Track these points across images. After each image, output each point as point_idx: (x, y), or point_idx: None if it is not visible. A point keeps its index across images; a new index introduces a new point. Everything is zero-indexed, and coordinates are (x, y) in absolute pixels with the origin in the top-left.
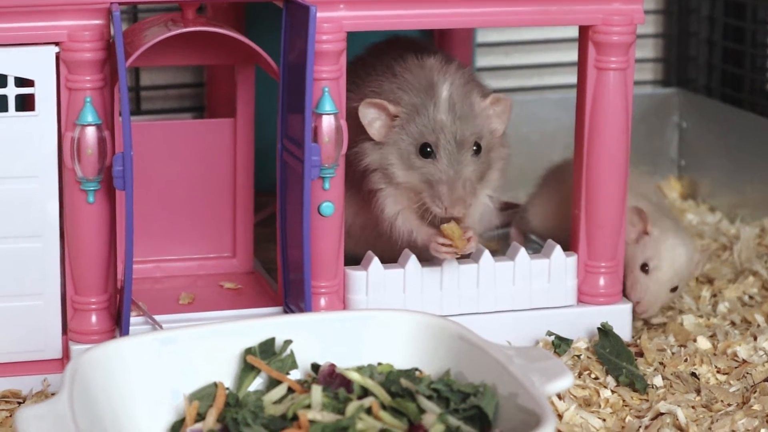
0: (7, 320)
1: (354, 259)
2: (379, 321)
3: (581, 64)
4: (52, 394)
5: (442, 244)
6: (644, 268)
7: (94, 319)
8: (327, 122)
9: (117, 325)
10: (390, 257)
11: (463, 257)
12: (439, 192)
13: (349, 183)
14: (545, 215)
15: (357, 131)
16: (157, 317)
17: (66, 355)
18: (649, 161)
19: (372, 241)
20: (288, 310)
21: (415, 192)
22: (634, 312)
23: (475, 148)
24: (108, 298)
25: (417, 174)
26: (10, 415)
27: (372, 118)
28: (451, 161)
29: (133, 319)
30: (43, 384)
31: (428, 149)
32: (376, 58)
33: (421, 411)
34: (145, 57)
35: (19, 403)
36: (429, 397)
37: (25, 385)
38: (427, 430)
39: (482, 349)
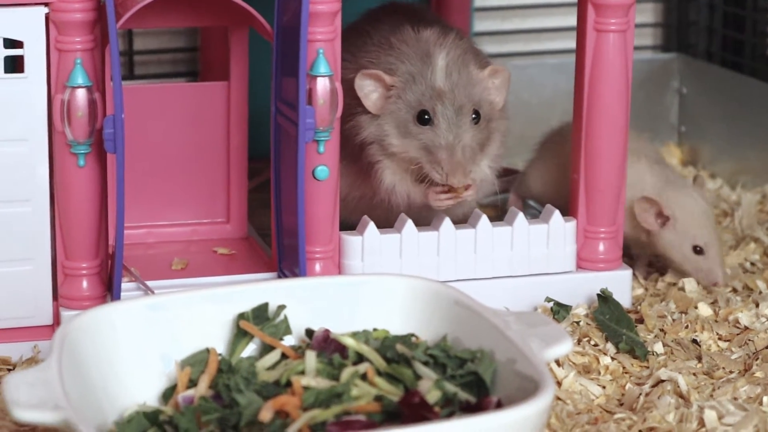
0: None
1: (349, 227)
2: (374, 286)
3: (580, 27)
4: (43, 361)
5: (440, 191)
6: (697, 250)
7: (84, 284)
8: (322, 84)
9: (108, 290)
10: (386, 227)
11: (462, 221)
12: (438, 158)
13: (344, 154)
14: (544, 180)
15: (352, 103)
16: (150, 283)
17: (56, 321)
18: (648, 127)
19: (368, 212)
20: (282, 276)
21: (412, 162)
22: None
23: (474, 115)
24: (99, 264)
25: (415, 142)
26: (0, 382)
27: (369, 90)
28: (450, 126)
29: (124, 285)
30: (33, 350)
31: (426, 116)
32: (372, 26)
33: (417, 377)
34: (137, 18)
35: (9, 370)
36: (425, 363)
37: (15, 351)
38: (423, 396)
39: (479, 314)
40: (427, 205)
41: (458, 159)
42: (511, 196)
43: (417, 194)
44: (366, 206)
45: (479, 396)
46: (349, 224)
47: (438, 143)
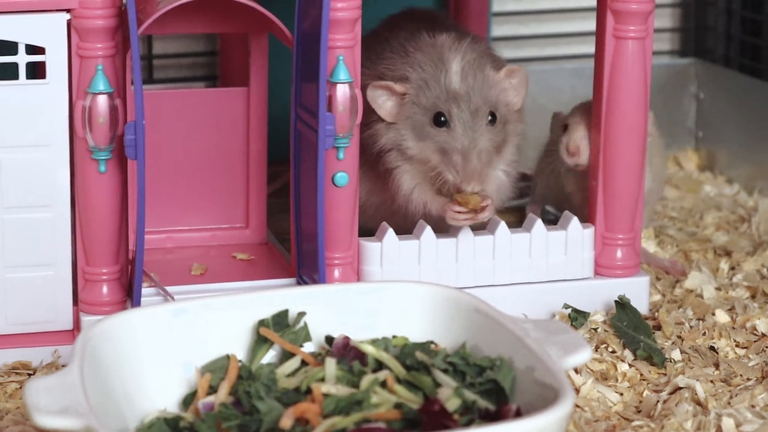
0: (18, 291)
1: (368, 233)
2: (394, 293)
3: (599, 34)
4: (63, 366)
5: (458, 211)
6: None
7: (105, 290)
8: (341, 91)
9: (128, 296)
10: (404, 234)
11: (480, 227)
12: (453, 161)
13: (362, 160)
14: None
15: (369, 112)
16: (169, 288)
17: (77, 326)
18: (666, 132)
19: (386, 219)
20: (301, 282)
21: (429, 165)
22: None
23: (490, 117)
24: (119, 269)
25: (431, 144)
26: (21, 387)
27: (382, 100)
28: (465, 129)
29: (144, 291)
30: (54, 355)
31: (442, 118)
32: (390, 31)
33: (437, 385)
34: (157, 25)
35: (30, 374)
36: (444, 371)
37: (36, 356)
38: (443, 404)
39: (498, 321)
40: (443, 217)
41: (473, 165)
42: (529, 204)
43: (434, 206)
44: (384, 213)
45: (498, 404)
46: (368, 230)
47: (454, 146)
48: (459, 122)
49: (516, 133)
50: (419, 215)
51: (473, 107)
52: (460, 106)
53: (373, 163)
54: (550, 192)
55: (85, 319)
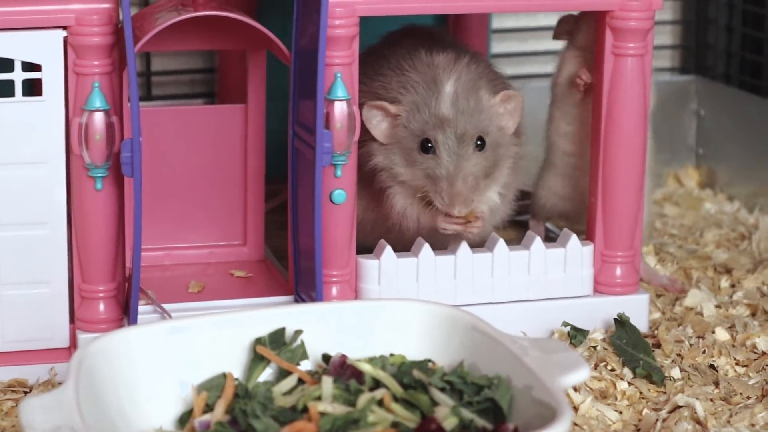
0: (14, 308)
1: (366, 250)
2: (391, 311)
3: (598, 51)
4: (59, 384)
5: (449, 216)
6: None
7: (101, 307)
8: (339, 108)
9: (125, 313)
10: (401, 251)
11: (479, 245)
12: (439, 188)
13: (358, 176)
14: (553, 192)
15: (364, 130)
16: (166, 306)
17: (73, 344)
18: (666, 149)
19: (383, 235)
20: (299, 299)
21: (420, 189)
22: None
23: (478, 143)
24: (116, 287)
25: (419, 171)
26: (17, 405)
27: (376, 120)
28: (450, 155)
29: (141, 308)
30: (50, 373)
31: (428, 144)
32: (389, 48)
33: (434, 403)
34: (155, 42)
35: (26, 392)
36: (442, 389)
37: (32, 374)
38: (440, 423)
39: (496, 340)
40: (436, 228)
41: (458, 189)
42: (531, 221)
43: (427, 218)
44: (381, 229)
45: (496, 423)
46: (365, 248)
47: (439, 173)
48: (444, 149)
49: (509, 156)
50: (413, 231)
51: (459, 132)
52: (446, 132)
53: (369, 179)
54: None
55: (82, 336)
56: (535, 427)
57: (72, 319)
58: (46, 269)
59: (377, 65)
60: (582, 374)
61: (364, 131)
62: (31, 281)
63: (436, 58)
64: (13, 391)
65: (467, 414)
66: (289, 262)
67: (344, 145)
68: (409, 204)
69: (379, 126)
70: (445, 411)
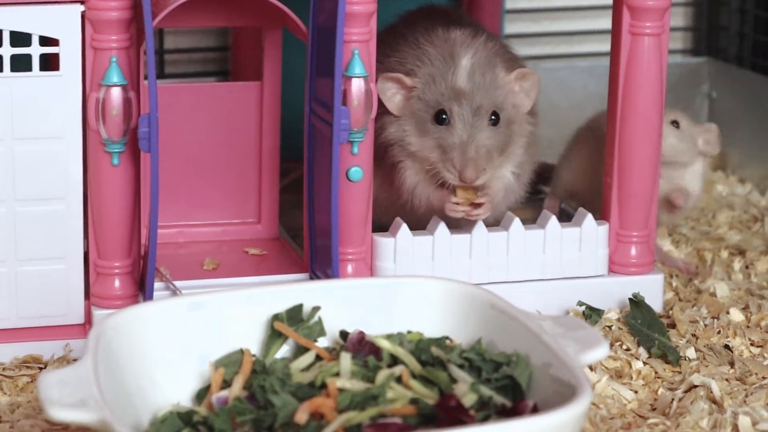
0: (30, 284)
1: (379, 229)
2: (409, 288)
3: (615, 30)
4: (74, 360)
5: (456, 203)
6: None
7: (117, 283)
8: (356, 85)
9: (140, 290)
10: (416, 228)
11: (494, 223)
12: (450, 157)
13: (375, 155)
14: (575, 174)
15: (378, 104)
16: (182, 283)
17: (88, 320)
18: None
19: (398, 213)
20: (314, 277)
21: (429, 162)
22: None
23: (493, 117)
24: (132, 263)
25: (431, 141)
26: (32, 381)
27: (391, 93)
28: (465, 126)
29: (156, 285)
30: (65, 349)
31: (443, 116)
32: (407, 27)
33: (452, 380)
34: (171, 18)
35: (41, 368)
36: (460, 366)
37: (46, 350)
38: (459, 399)
39: (515, 317)
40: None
41: (470, 155)
42: (548, 200)
43: (436, 199)
44: (397, 207)
45: (515, 400)
46: (380, 226)
47: (452, 142)
48: (459, 119)
49: (523, 134)
50: (422, 210)
51: (475, 105)
52: (462, 104)
53: (381, 156)
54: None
55: (97, 312)
56: (554, 405)
57: (87, 295)
58: (61, 245)
59: (394, 42)
60: (601, 351)
61: (378, 105)
62: (47, 257)
63: (453, 34)
64: (27, 367)
65: (486, 391)
66: (304, 240)
67: (361, 122)
68: (419, 180)
69: (393, 98)
70: (464, 388)
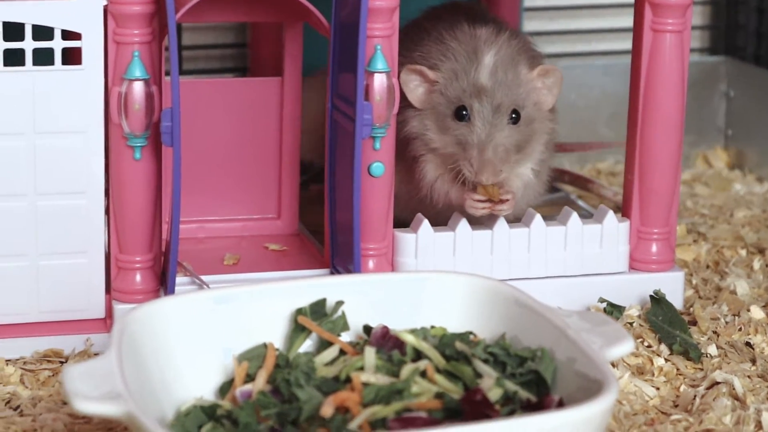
0: (51, 278)
1: (402, 224)
2: (433, 283)
3: (636, 27)
4: (95, 354)
5: (477, 200)
6: None
7: (138, 278)
8: (379, 80)
9: (161, 284)
10: (436, 224)
11: (515, 220)
12: (469, 155)
13: (396, 149)
14: None
15: (401, 98)
16: (202, 278)
17: (109, 314)
18: (695, 130)
19: (419, 208)
20: (335, 272)
21: (450, 159)
22: None
23: (513, 116)
24: (153, 257)
25: (451, 137)
26: (53, 375)
27: (414, 85)
28: (484, 124)
29: (177, 279)
30: (86, 344)
31: (463, 112)
32: (430, 23)
33: (477, 375)
34: (194, 13)
35: (62, 362)
36: (485, 361)
37: (67, 344)
38: (485, 393)
39: (539, 313)
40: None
41: (488, 157)
42: None
43: (456, 196)
44: (418, 203)
45: (539, 395)
46: (401, 222)
47: (470, 140)
48: (478, 117)
49: (545, 132)
50: (442, 205)
51: (496, 103)
52: (482, 101)
53: (403, 150)
54: None
55: (118, 307)
56: (579, 400)
57: (108, 289)
58: (83, 239)
59: (417, 37)
60: (627, 347)
61: (400, 99)
62: (68, 251)
63: (477, 31)
64: (48, 361)
65: (511, 385)
66: (325, 235)
67: (383, 118)
68: (439, 175)
69: (415, 90)
70: (490, 382)
